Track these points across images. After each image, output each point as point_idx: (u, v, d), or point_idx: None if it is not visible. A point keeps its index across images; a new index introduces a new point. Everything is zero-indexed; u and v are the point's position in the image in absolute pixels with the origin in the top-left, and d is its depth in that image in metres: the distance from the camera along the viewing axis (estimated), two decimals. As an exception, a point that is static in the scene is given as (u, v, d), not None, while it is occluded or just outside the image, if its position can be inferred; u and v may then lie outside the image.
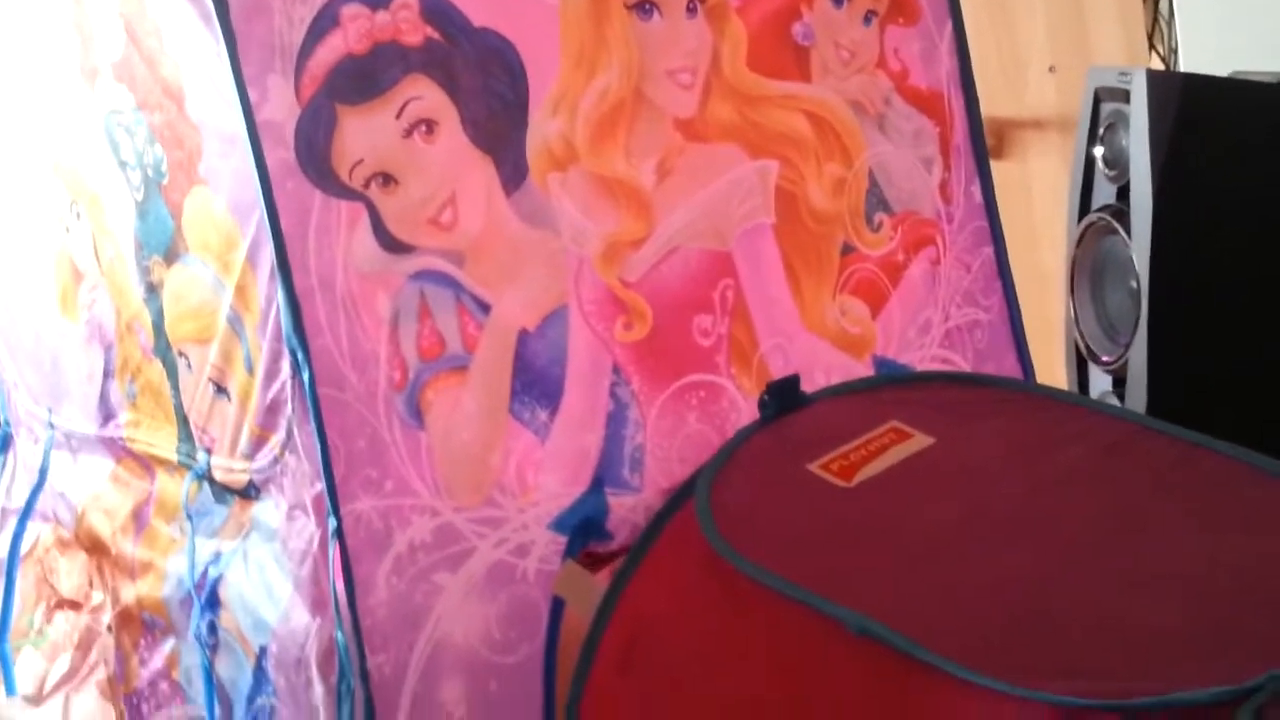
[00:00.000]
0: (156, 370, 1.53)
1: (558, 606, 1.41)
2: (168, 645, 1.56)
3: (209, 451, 1.46)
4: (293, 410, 1.33)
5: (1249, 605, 1.08)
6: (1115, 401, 2.21)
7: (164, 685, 1.57)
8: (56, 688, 1.69)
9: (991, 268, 1.67)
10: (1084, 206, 2.30)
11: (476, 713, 1.36)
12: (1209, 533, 1.18)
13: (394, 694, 1.32)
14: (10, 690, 1.76)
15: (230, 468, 1.44)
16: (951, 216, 1.64)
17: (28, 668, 1.74)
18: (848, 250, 1.57)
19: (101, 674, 1.65)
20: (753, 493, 1.34)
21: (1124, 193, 2.17)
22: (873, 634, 1.11)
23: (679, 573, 1.30)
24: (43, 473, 1.74)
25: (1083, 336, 2.34)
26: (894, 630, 1.10)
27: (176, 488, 1.52)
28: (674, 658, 1.27)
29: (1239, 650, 1.02)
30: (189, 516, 1.50)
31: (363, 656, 1.31)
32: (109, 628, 1.63)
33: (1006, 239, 1.70)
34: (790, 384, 1.45)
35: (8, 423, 1.82)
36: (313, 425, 1.30)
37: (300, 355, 1.29)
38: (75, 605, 1.69)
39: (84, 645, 1.66)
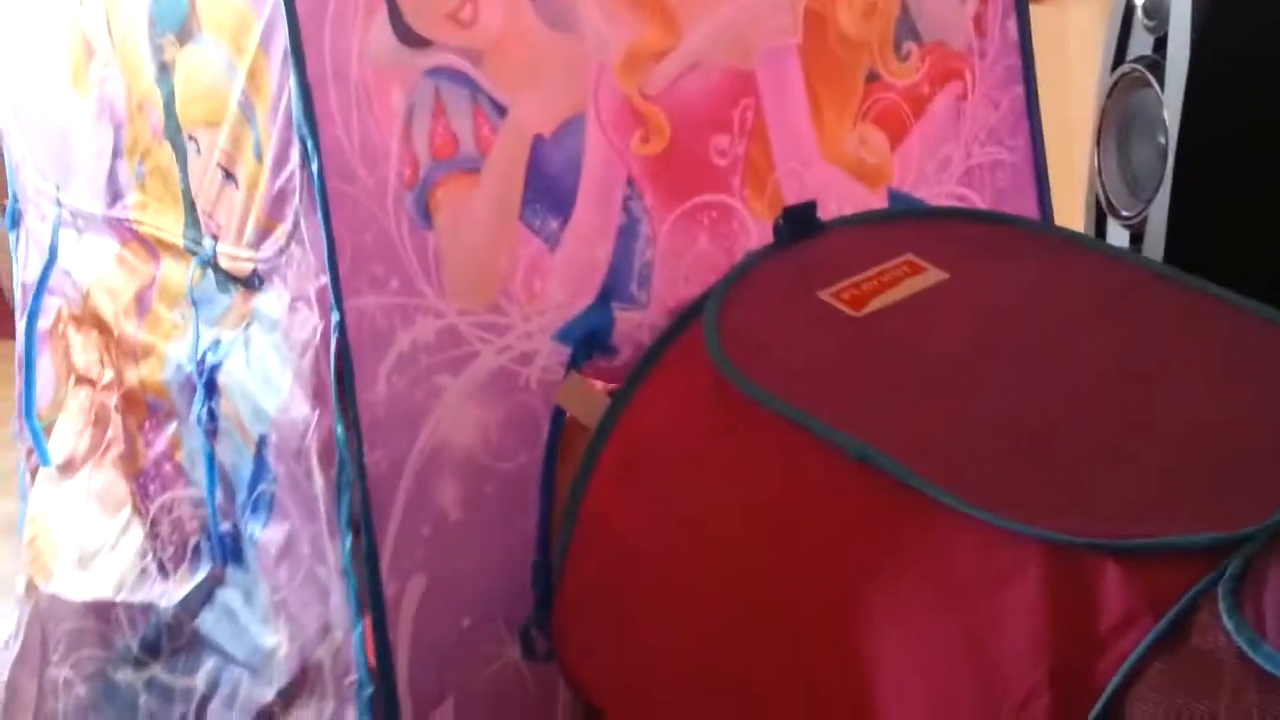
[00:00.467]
0: (166, 153, 1.50)
1: (559, 416, 1.41)
2: (170, 428, 1.56)
3: (215, 238, 1.45)
4: (300, 201, 1.31)
5: (1249, 454, 1.08)
6: (1132, 255, 2.18)
7: (168, 467, 1.58)
8: (83, 460, 1.70)
9: (1020, 107, 1.63)
10: (1119, 57, 2.25)
11: (471, 514, 1.37)
12: (1215, 381, 1.18)
13: (390, 491, 1.33)
14: (45, 461, 1.77)
15: (236, 255, 1.42)
16: (984, 51, 1.60)
17: (60, 442, 1.75)
18: (872, 78, 1.53)
19: (115, 451, 1.66)
20: (761, 316, 1.33)
21: (1161, 45, 2.12)
22: (871, 461, 1.11)
23: (683, 390, 1.30)
24: (53, 250, 1.73)
25: (1104, 190, 2.32)
26: (892, 458, 1.10)
27: (181, 273, 1.51)
28: (672, 472, 1.27)
29: (1236, 498, 1.02)
30: (192, 303, 1.49)
31: (361, 452, 1.31)
32: (116, 408, 1.64)
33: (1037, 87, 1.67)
34: (807, 210, 1.44)
35: (16, 199, 1.80)
36: (320, 217, 1.28)
37: (310, 145, 1.27)
38: (90, 382, 1.69)
39: (101, 422, 1.67)
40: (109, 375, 1.66)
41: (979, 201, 1.62)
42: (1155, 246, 2.22)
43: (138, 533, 1.62)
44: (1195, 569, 0.95)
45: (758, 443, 1.21)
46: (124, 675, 1.63)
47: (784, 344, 1.30)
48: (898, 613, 1.05)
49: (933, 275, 1.35)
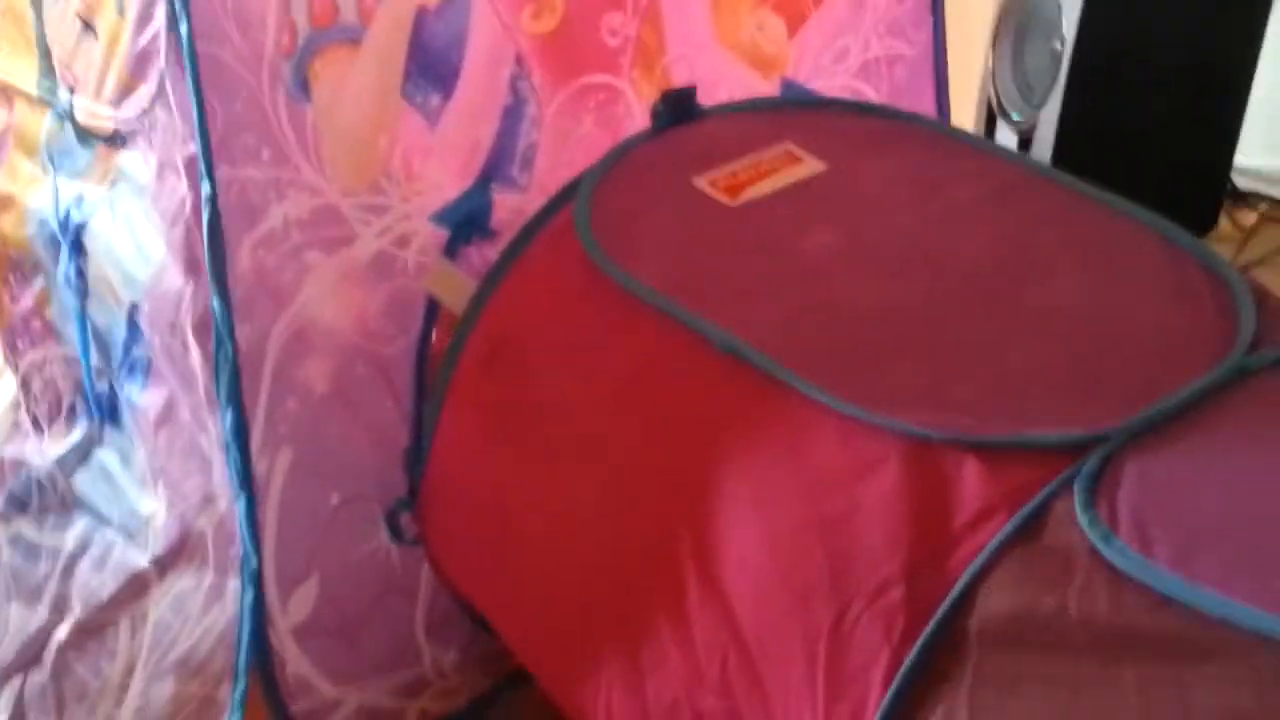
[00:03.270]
0: None
1: (434, 301, 1.39)
2: (37, 284, 1.51)
3: (72, 91, 1.39)
4: (166, 63, 1.26)
5: (1117, 355, 1.09)
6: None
7: (36, 324, 1.53)
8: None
9: (926, 1, 1.62)
10: (1019, -42, 2.26)
11: (340, 391, 1.35)
12: (1089, 281, 1.18)
13: (257, 366, 1.31)
14: None
15: (95, 112, 1.36)
16: None
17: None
18: None
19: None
20: (634, 202, 1.31)
21: (1060, -54, 2.13)
22: (737, 352, 1.11)
23: (551, 276, 1.28)
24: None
25: (997, 93, 2.33)
26: (758, 350, 1.10)
27: (37, 123, 1.45)
28: (536, 359, 1.26)
29: (1099, 398, 1.03)
30: (50, 156, 1.44)
31: (230, 325, 1.28)
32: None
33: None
34: (686, 95, 1.41)
35: None
36: (189, 83, 1.23)
37: (178, 4, 1.22)
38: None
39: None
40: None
41: (874, 96, 1.61)
42: (1043, 151, 2.25)
43: (9, 385, 1.58)
44: (1053, 466, 0.96)
45: (625, 330, 1.20)
46: (-14, 530, 1.60)
47: (655, 231, 1.28)
48: (757, 503, 1.06)
49: (811, 166, 1.33)
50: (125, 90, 1.32)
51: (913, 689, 0.94)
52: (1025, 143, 2.27)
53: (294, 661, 1.38)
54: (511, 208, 1.40)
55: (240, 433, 1.29)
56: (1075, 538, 0.92)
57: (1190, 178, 2.47)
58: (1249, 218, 2.73)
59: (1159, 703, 0.84)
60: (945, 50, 1.65)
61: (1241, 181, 2.71)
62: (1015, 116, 2.30)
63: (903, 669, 0.94)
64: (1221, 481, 0.95)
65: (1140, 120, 2.35)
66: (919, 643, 0.94)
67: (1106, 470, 0.95)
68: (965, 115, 2.32)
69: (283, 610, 1.36)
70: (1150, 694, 0.84)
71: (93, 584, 1.47)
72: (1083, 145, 2.25)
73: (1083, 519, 0.92)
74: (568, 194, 1.31)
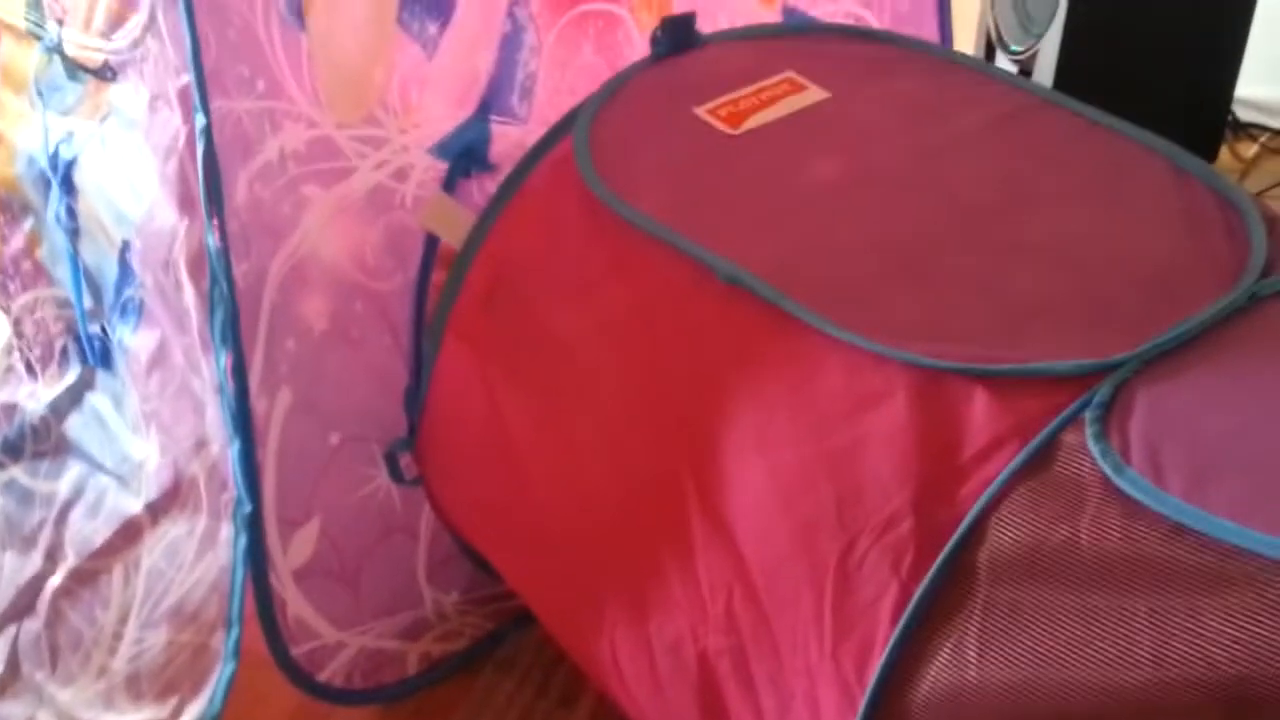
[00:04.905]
0: None
1: (433, 237, 1.37)
2: (27, 224, 1.49)
3: (60, 23, 1.36)
4: (157, -9, 1.23)
5: (1126, 282, 1.07)
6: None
7: (27, 264, 1.51)
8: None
9: None
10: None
11: (338, 329, 1.34)
12: (1098, 208, 1.16)
13: (254, 302, 1.28)
14: None
15: (84, 44, 1.33)
16: None
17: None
18: None
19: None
20: (634, 131, 1.28)
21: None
22: (741, 283, 1.09)
23: (550, 208, 1.25)
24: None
25: (996, 24, 2.30)
26: (762, 280, 1.08)
27: (24, 57, 1.43)
28: (536, 292, 1.24)
29: (1110, 327, 1.01)
30: (39, 92, 1.42)
31: (229, 264, 1.26)
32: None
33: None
34: (685, 21, 1.38)
35: None
36: (181, 11, 1.21)
37: None
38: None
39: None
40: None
41: (876, 23, 1.58)
42: (1043, 82, 2.22)
43: (2, 329, 1.56)
44: (1064, 396, 0.95)
45: (626, 262, 1.18)
46: (-20, 476, 1.58)
47: (656, 161, 1.25)
48: (761, 437, 1.04)
49: (814, 94, 1.31)
50: (115, 21, 1.29)
51: (922, 623, 0.93)
52: (1024, 74, 2.25)
53: (295, 604, 1.37)
54: (512, 140, 1.38)
55: (239, 373, 1.28)
56: (1087, 468, 0.91)
57: (1191, 109, 2.45)
58: (1250, 149, 2.72)
59: (1172, 634, 0.83)
60: (949, -24, 1.63)
61: (1242, 113, 2.69)
62: (1015, 48, 2.27)
63: (912, 603, 0.93)
64: (1235, 409, 0.94)
65: (1140, 52, 2.33)
66: (928, 576, 0.93)
67: (1118, 399, 0.94)
68: (965, 46, 2.30)
69: (283, 553, 1.34)
70: (1163, 625, 0.84)
71: (86, 531, 1.46)
72: (1082, 77, 2.24)
73: (1094, 449, 0.91)
74: (567, 125, 1.29)
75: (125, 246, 1.37)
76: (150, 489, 1.40)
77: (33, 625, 1.49)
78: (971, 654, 0.90)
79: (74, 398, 1.49)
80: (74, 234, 1.42)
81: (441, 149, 1.36)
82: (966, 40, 2.30)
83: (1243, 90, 2.59)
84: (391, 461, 1.39)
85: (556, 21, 1.38)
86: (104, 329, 1.43)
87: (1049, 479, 0.91)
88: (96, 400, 1.47)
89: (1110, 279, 1.08)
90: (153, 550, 1.40)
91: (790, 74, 1.33)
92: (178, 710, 1.37)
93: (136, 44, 1.28)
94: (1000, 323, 1.03)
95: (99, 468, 1.47)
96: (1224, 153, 2.66)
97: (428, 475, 1.40)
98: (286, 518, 1.34)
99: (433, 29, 1.33)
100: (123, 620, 1.42)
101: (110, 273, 1.40)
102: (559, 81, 1.39)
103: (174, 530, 1.38)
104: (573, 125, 1.28)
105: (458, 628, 1.55)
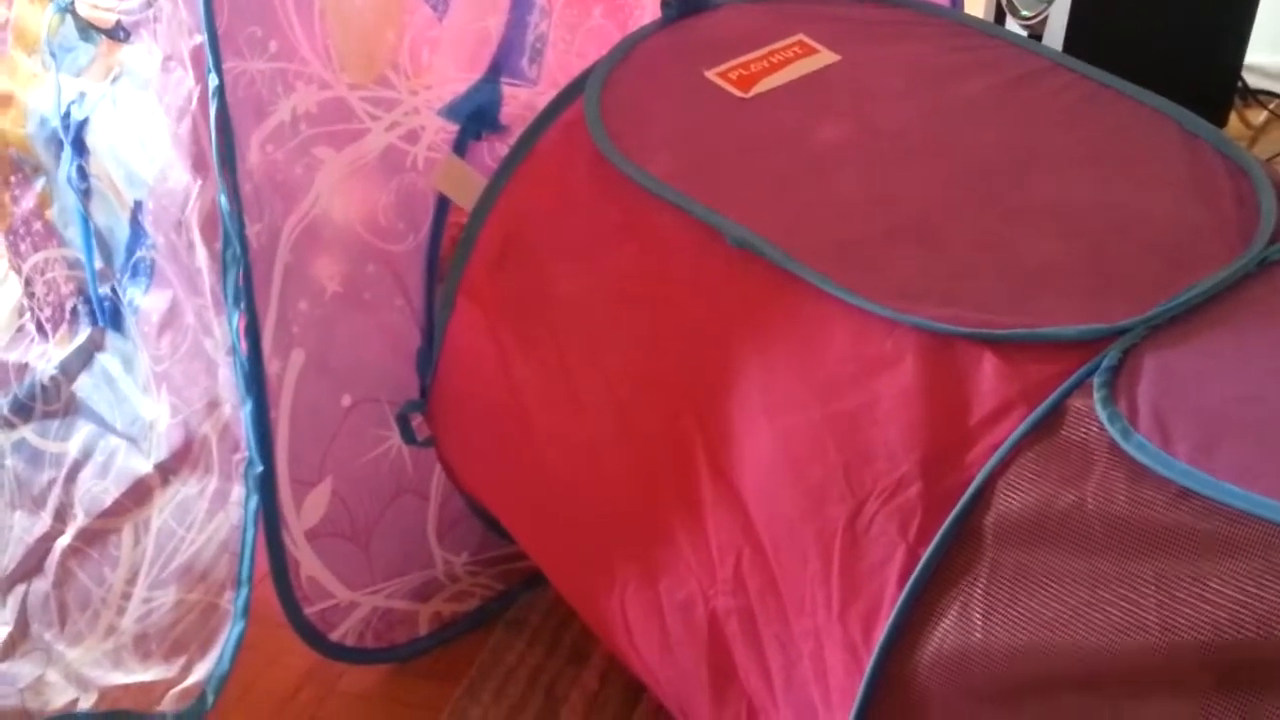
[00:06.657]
0: None
1: (445, 198, 1.37)
2: (38, 184, 1.49)
3: None
4: (169, -49, 1.23)
5: (1134, 247, 1.07)
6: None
7: (38, 225, 1.51)
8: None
9: None
10: None
11: (351, 290, 1.34)
12: (1107, 172, 1.16)
13: (268, 264, 1.29)
14: None
15: (96, 4, 1.34)
16: None
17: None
18: None
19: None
20: (645, 94, 1.28)
21: None
22: (751, 246, 1.09)
23: (561, 171, 1.25)
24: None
25: (1008, -12, 2.30)
26: (771, 243, 1.09)
27: (37, 18, 1.43)
28: (546, 255, 1.24)
29: (1118, 292, 1.01)
30: (51, 53, 1.42)
31: (242, 224, 1.27)
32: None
33: None
34: (696, -16, 1.39)
35: None
36: (194, -30, 1.21)
37: None
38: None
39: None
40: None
41: (884, -12, 1.58)
42: (1052, 47, 2.21)
43: (14, 289, 1.57)
44: (1071, 360, 0.95)
45: (636, 225, 1.18)
46: (-9, 435, 1.59)
47: (667, 124, 1.25)
48: (770, 400, 1.05)
49: (824, 57, 1.31)
50: None
51: (928, 586, 0.93)
52: (1035, 39, 2.24)
53: (308, 565, 1.38)
54: (522, 102, 1.38)
55: (252, 334, 1.28)
56: (1094, 432, 0.91)
57: (1200, 76, 2.44)
58: (1259, 116, 2.71)
59: (1178, 598, 0.83)
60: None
61: (1252, 79, 2.68)
62: (1025, 12, 2.27)
63: (919, 566, 0.93)
64: (1243, 375, 0.94)
65: (1150, 18, 2.31)
66: (935, 540, 0.93)
67: (1125, 364, 0.94)
68: (975, 10, 2.29)
69: (296, 513, 1.35)
70: (1169, 589, 0.84)
71: (95, 491, 1.47)
72: (1092, 42, 2.22)
73: (1101, 413, 0.91)
74: (578, 87, 1.29)
75: (137, 207, 1.37)
76: (160, 449, 1.40)
77: (41, 584, 1.50)
78: (977, 617, 0.90)
79: (84, 358, 1.49)
80: (85, 195, 1.42)
81: (452, 111, 1.36)
82: (977, 4, 2.30)
83: (1252, 57, 2.58)
84: (404, 423, 1.40)
85: None
86: (114, 290, 1.44)
87: (1056, 443, 0.92)
88: (106, 361, 1.47)
89: (1119, 244, 1.08)
90: (163, 510, 1.41)
91: (801, 37, 1.33)
92: (186, 669, 1.38)
93: (149, 4, 1.28)
94: (1009, 287, 1.03)
95: (109, 428, 1.47)
96: (1233, 119, 2.65)
97: (439, 436, 1.40)
98: (299, 478, 1.35)
99: (444, -10, 1.33)
100: (131, 580, 1.43)
101: (121, 234, 1.40)
102: (569, 43, 1.39)
103: (184, 490, 1.39)
104: (584, 88, 1.28)
105: (468, 588, 1.55)
